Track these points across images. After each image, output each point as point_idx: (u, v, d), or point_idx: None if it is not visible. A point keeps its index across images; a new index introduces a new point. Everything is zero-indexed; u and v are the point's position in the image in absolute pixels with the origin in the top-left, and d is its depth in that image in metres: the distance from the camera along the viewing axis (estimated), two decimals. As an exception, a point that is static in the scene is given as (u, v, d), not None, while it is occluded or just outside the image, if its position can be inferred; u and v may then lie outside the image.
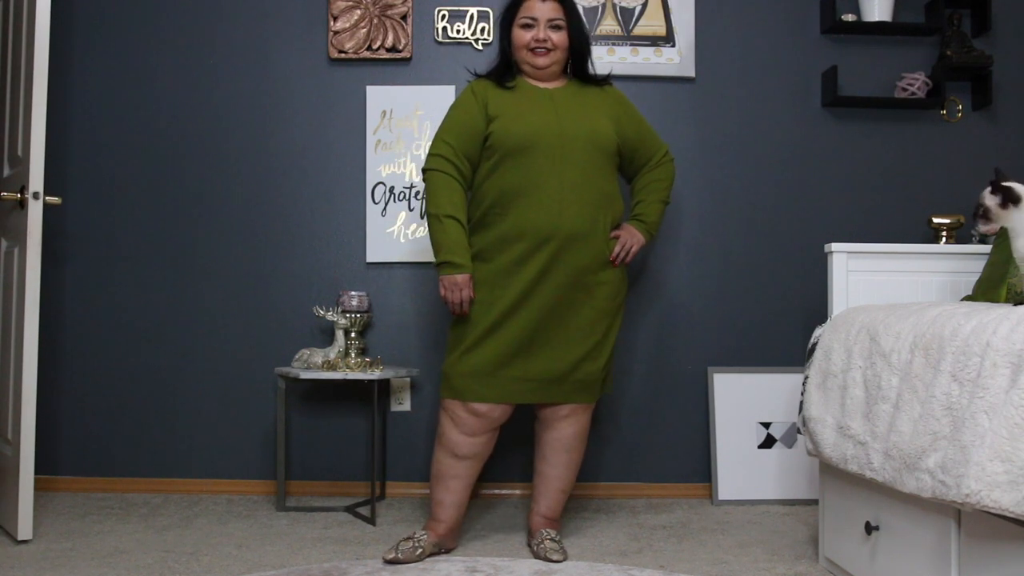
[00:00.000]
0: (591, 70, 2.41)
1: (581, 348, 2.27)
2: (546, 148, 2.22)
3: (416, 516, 2.71)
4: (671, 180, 2.48)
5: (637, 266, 3.03)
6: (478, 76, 2.40)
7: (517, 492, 2.98)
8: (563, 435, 2.35)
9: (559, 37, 2.30)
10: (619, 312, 2.37)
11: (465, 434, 2.25)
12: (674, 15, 3.04)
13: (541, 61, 2.30)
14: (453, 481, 2.28)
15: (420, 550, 2.18)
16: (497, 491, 2.99)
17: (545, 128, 2.24)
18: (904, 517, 1.79)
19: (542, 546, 2.24)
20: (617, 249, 2.30)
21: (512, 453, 2.96)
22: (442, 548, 2.27)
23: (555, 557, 2.19)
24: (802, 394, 2.18)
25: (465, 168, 2.28)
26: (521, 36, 2.31)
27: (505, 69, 2.37)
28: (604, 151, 2.29)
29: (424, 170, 2.31)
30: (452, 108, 2.35)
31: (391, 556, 2.14)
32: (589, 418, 2.40)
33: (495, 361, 2.21)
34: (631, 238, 2.34)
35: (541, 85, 2.36)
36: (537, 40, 2.29)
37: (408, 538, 2.21)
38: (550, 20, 2.29)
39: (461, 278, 2.22)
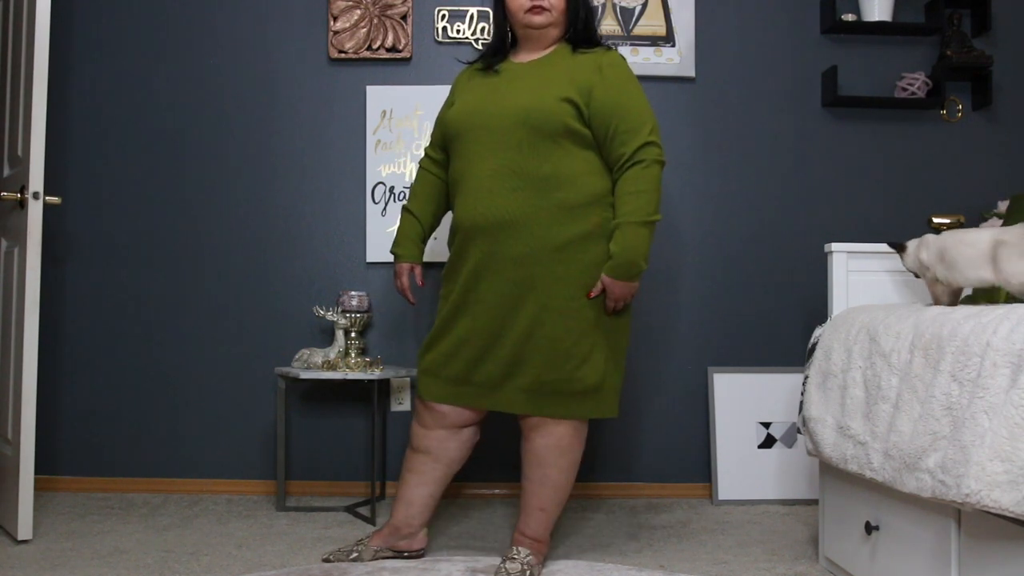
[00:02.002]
0: (596, 30, 2.20)
1: (528, 352, 2.03)
2: (474, 132, 2.08)
3: (416, 516, 2.71)
4: (647, 189, 2.01)
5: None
6: (475, 60, 2.31)
7: (516, 492, 2.98)
8: (534, 447, 2.10)
9: None
10: (591, 315, 2.05)
11: (420, 425, 2.18)
12: (674, 15, 3.04)
13: (538, 20, 2.09)
14: (408, 474, 2.20)
15: (355, 555, 2.19)
16: (497, 491, 2.99)
17: (477, 111, 2.09)
18: (904, 517, 1.79)
19: (500, 568, 2.06)
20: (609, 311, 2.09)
21: (513, 453, 2.96)
22: (399, 551, 2.22)
23: None
24: (802, 394, 2.18)
25: (443, 158, 2.28)
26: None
27: (497, 47, 2.22)
28: (541, 130, 2.01)
29: None
30: None
31: (324, 556, 2.21)
32: (571, 434, 2.10)
33: (441, 360, 2.11)
34: (608, 297, 2.05)
35: (527, 59, 2.17)
36: None
37: (360, 540, 2.23)
38: None
39: (400, 266, 2.31)
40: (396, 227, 2.36)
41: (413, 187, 2.34)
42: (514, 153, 2.03)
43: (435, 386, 2.13)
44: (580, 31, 2.16)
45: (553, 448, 2.09)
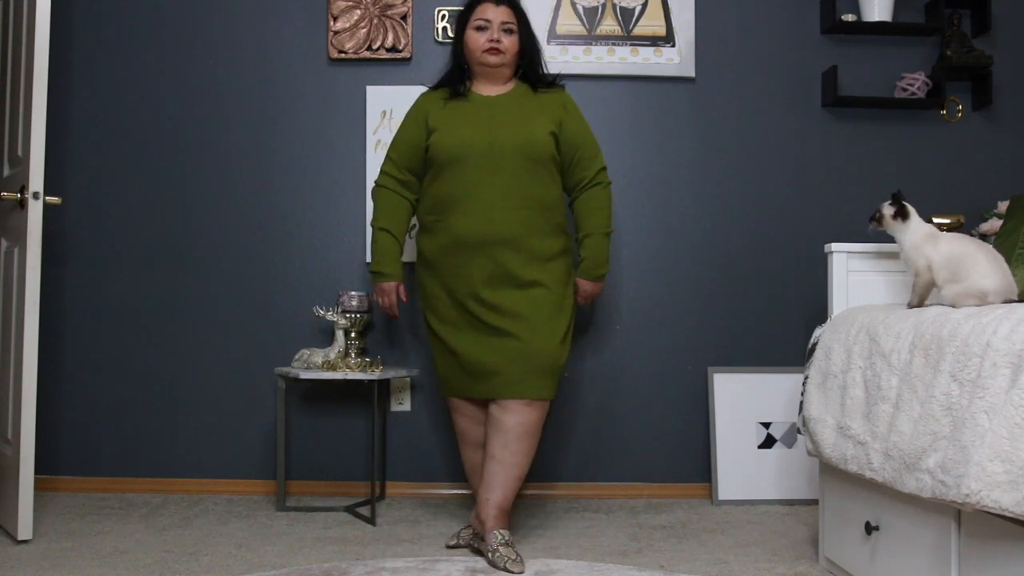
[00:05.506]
0: (544, 70, 2.46)
1: (526, 344, 2.26)
2: (477, 158, 2.30)
3: (417, 516, 2.71)
4: (608, 206, 2.43)
5: (638, 265, 3.03)
6: (431, 88, 2.50)
7: (520, 492, 2.98)
8: (512, 424, 2.29)
9: (510, 41, 2.37)
10: (568, 312, 2.36)
11: (469, 421, 2.43)
12: (674, 15, 3.04)
13: (493, 60, 2.35)
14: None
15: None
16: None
17: (477, 139, 2.31)
18: (904, 517, 1.79)
19: (494, 558, 2.14)
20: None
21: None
22: None
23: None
24: (802, 394, 2.18)
25: (409, 179, 2.45)
26: (475, 38, 2.37)
27: (458, 78, 2.45)
28: (537, 159, 2.31)
29: (374, 184, 2.49)
30: (400, 124, 2.49)
31: (452, 543, 2.35)
32: (539, 419, 2.32)
33: (445, 359, 2.39)
34: (580, 295, 2.44)
35: (487, 93, 2.40)
36: (491, 40, 2.34)
37: (467, 526, 2.37)
38: (503, 23, 2.36)
39: (387, 285, 2.45)
40: (375, 245, 2.45)
41: (383, 207, 2.46)
42: (516, 178, 2.29)
43: (450, 383, 2.40)
44: (529, 71, 2.43)
45: (524, 423, 2.27)
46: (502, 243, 2.27)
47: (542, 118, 2.34)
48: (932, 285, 1.96)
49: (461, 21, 2.43)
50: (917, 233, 2.01)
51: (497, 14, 2.36)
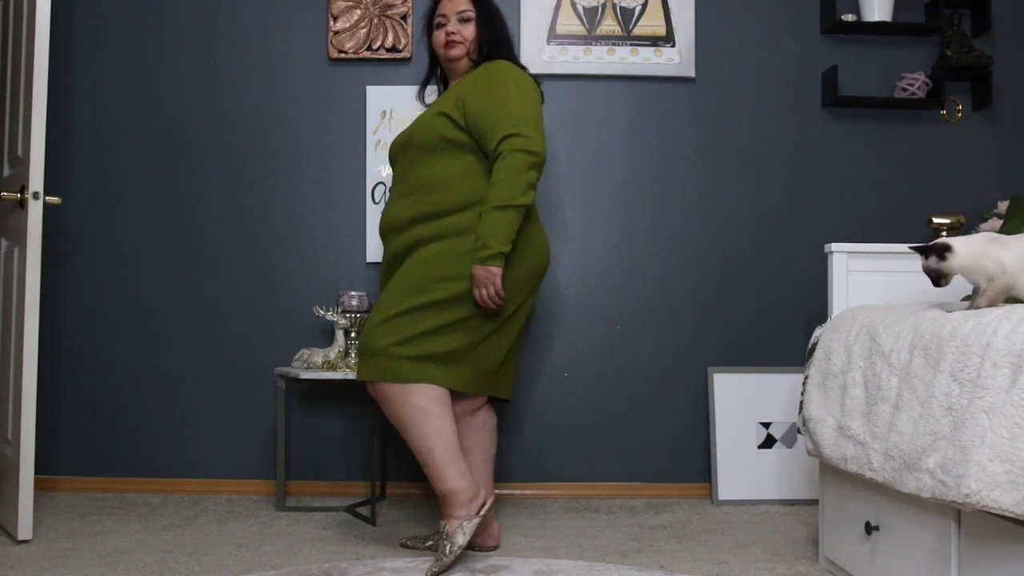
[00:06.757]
0: (501, 51, 2.35)
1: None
2: (392, 155, 2.39)
3: (417, 515, 2.71)
4: (507, 176, 2.10)
5: (638, 265, 3.03)
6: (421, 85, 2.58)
7: (516, 492, 2.99)
8: None
9: (467, 30, 2.34)
10: (401, 287, 2.17)
11: None
12: (674, 15, 3.04)
13: (453, 52, 2.34)
14: None
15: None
16: (496, 491, 2.99)
17: (395, 139, 2.39)
18: (904, 517, 1.79)
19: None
20: (477, 299, 2.14)
21: (512, 451, 2.96)
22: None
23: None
24: (802, 394, 2.18)
25: None
26: (437, 37, 2.38)
27: (429, 80, 2.51)
28: (419, 144, 2.25)
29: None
30: None
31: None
32: (389, 402, 2.15)
33: None
34: (474, 284, 2.12)
35: (451, 85, 2.41)
36: (448, 34, 2.34)
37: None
38: (459, 13, 2.35)
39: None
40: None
41: None
42: (402, 167, 2.31)
43: None
44: (486, 56, 2.34)
45: (390, 416, 2.19)
46: (390, 233, 2.29)
47: (445, 100, 2.27)
48: (1011, 287, 1.76)
49: (427, 25, 2.43)
50: (973, 244, 1.78)
51: (453, 6, 2.35)
